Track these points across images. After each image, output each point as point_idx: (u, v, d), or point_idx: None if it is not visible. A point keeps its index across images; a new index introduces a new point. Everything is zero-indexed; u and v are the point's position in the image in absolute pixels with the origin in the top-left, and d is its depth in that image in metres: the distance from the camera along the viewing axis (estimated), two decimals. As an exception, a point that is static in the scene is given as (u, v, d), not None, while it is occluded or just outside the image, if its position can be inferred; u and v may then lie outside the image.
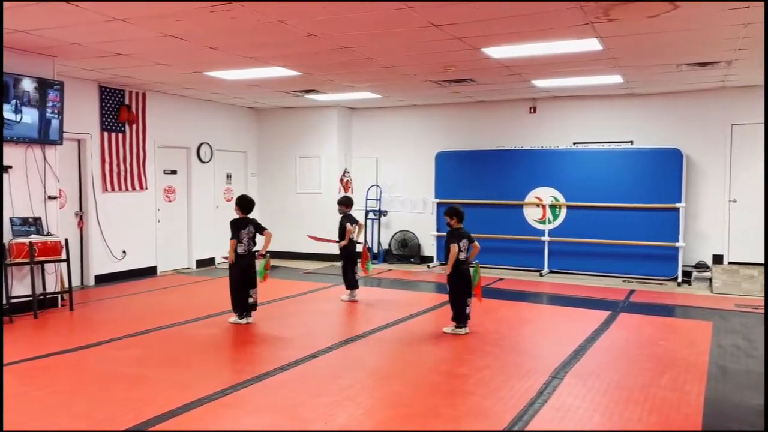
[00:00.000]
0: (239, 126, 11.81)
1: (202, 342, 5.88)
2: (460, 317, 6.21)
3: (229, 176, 11.68)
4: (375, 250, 11.75)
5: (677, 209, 9.31)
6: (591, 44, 6.45)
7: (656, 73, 8.11)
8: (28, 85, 6.75)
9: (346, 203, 8.01)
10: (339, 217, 7.93)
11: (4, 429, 3.36)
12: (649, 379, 4.79)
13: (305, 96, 10.29)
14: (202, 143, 10.86)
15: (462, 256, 6.17)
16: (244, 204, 6.63)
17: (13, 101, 6.64)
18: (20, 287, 6.84)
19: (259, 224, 6.72)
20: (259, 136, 12.28)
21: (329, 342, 5.84)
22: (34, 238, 6.76)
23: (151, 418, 3.92)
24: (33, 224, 6.91)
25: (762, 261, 8.78)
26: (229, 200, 11.68)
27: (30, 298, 6.76)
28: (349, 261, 7.84)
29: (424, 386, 4.63)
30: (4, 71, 6.52)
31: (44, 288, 7.11)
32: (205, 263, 10.95)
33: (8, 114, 6.61)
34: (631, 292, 8.61)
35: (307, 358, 5.32)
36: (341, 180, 11.88)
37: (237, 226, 6.53)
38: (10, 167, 6.77)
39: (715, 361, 5.26)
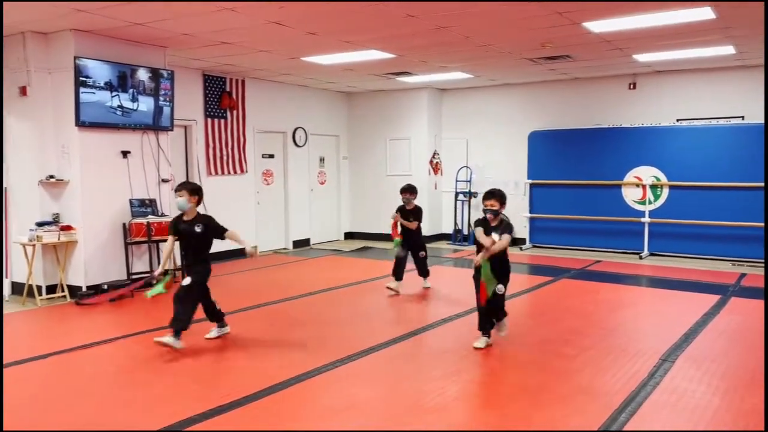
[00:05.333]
0: (331, 110, 12.06)
1: (309, 316, 6.11)
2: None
3: (322, 160, 11.98)
4: (465, 232, 11.73)
5: (794, 188, 8.70)
6: (703, 13, 6.11)
7: (773, 42, 7.58)
8: (143, 75, 7.20)
9: (411, 190, 7.19)
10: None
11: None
12: (771, 364, 4.56)
13: (396, 79, 10.36)
14: (297, 128, 11.18)
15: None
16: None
17: (131, 90, 7.10)
18: (139, 264, 7.36)
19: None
20: (350, 120, 12.49)
21: (431, 320, 5.93)
22: (151, 218, 7.24)
23: (275, 384, 4.16)
24: (149, 205, 7.39)
25: None
26: (322, 183, 12.00)
27: (148, 274, 7.25)
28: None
29: (530, 364, 4.63)
30: (122, 63, 6.98)
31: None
32: (301, 244, 11.33)
33: (126, 102, 7.08)
34: (742, 275, 8.16)
35: (410, 334, 5.44)
36: (431, 162, 11.90)
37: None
38: (129, 152, 7.26)
39: (844, 348, 4.93)
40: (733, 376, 4.32)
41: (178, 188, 5.07)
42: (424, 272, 7.37)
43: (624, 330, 5.67)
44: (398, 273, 7.14)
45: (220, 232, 5.10)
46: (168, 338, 4.79)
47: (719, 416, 3.66)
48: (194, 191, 5.06)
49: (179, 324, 4.81)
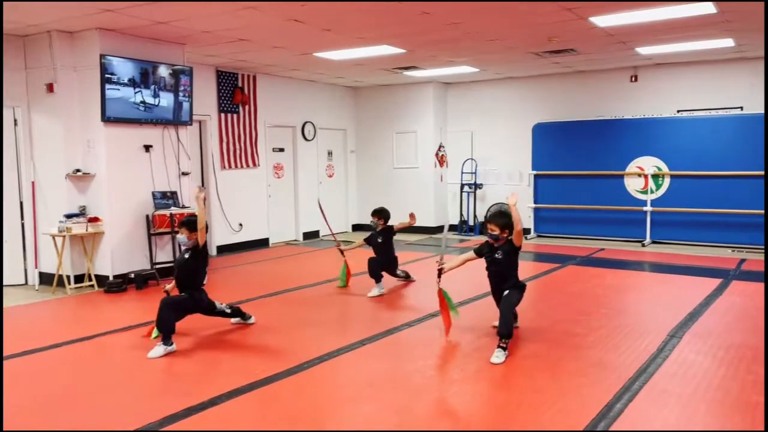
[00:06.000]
0: (339, 105, 12.31)
1: (325, 302, 6.38)
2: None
3: (330, 153, 12.23)
4: (471, 222, 12.00)
5: (792, 176, 9.00)
6: (705, 8, 6.37)
7: (771, 35, 7.85)
8: (164, 72, 7.43)
9: (380, 214, 6.98)
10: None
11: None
12: (772, 339, 4.84)
13: (403, 73, 10.60)
14: (306, 122, 11.43)
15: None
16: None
17: (152, 87, 7.34)
18: (162, 254, 7.62)
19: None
20: (357, 114, 12.74)
21: (446, 303, 6.20)
22: (173, 210, 7.49)
23: (312, 359, 4.46)
24: (171, 198, 7.64)
25: None
26: (330, 176, 12.26)
27: (171, 264, 7.51)
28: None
29: (546, 341, 4.91)
30: (144, 60, 7.22)
31: (180, 256, 7.85)
32: (311, 235, 11.59)
33: (148, 98, 7.32)
34: (742, 261, 8.46)
35: (427, 316, 5.71)
36: (437, 155, 12.16)
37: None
38: (151, 146, 7.51)
39: (840, 324, 5.22)
40: (737, 350, 4.60)
41: (180, 225, 5.05)
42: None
43: (631, 311, 5.96)
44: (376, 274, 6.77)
45: (201, 245, 4.96)
46: (159, 348, 4.65)
47: (726, 384, 3.94)
48: (195, 229, 4.94)
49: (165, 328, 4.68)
